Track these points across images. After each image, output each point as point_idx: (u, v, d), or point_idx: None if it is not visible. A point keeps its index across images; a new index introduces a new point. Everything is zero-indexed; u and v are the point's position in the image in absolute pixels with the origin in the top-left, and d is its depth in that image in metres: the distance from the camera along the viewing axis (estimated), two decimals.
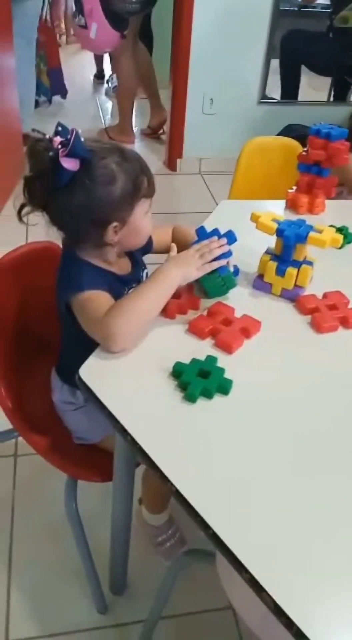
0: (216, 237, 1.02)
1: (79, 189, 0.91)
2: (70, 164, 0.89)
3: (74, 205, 0.92)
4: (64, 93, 4.01)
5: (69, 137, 0.90)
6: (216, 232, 1.04)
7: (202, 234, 1.04)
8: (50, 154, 0.89)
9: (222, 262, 1.00)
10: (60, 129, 0.93)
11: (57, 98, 3.98)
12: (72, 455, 1.12)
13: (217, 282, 1.02)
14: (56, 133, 0.92)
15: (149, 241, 1.11)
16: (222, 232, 1.04)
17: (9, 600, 1.26)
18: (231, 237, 1.02)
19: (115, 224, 0.96)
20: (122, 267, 1.06)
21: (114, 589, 1.28)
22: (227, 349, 0.93)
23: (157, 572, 1.24)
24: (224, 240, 1.01)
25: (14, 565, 1.33)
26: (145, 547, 1.35)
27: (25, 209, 0.96)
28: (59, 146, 0.89)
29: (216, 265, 0.99)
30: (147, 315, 0.93)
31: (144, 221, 1.01)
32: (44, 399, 1.17)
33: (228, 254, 1.01)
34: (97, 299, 0.94)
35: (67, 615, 1.24)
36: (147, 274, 1.12)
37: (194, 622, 1.25)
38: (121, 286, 1.02)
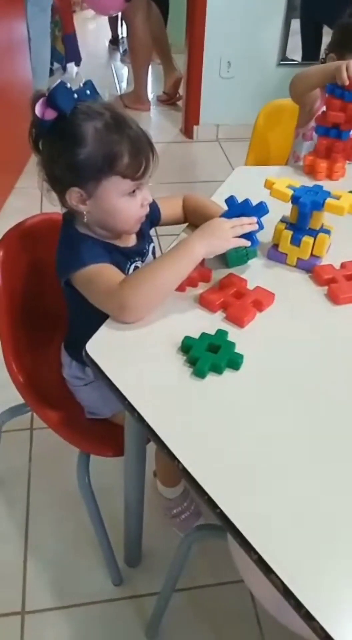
0: (244, 217, 0.96)
1: (49, 140, 0.91)
2: (42, 112, 0.87)
3: (45, 155, 0.93)
4: (78, 60, 3.91)
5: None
6: (247, 203, 0.98)
7: (232, 204, 0.98)
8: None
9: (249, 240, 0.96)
10: (85, 88, 0.92)
11: (71, 65, 3.89)
12: (84, 430, 1.12)
13: (241, 253, 0.98)
14: (78, 92, 0.91)
15: (157, 213, 1.07)
16: (253, 202, 0.98)
17: (25, 571, 1.28)
18: (263, 209, 0.97)
19: (76, 189, 0.91)
20: (126, 239, 1.02)
21: (129, 562, 1.29)
22: (239, 322, 0.90)
23: (172, 545, 1.23)
24: (254, 219, 0.96)
25: (30, 538, 1.34)
26: (160, 520, 1.35)
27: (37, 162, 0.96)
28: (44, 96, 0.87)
29: (245, 242, 0.95)
30: (165, 287, 0.90)
31: (120, 202, 0.92)
32: (55, 374, 1.16)
33: (260, 228, 0.97)
34: (104, 271, 0.91)
35: (82, 586, 1.25)
36: (153, 247, 1.09)
37: (209, 595, 1.25)
38: (123, 259, 0.99)
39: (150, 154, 0.92)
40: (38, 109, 0.88)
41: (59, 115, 0.88)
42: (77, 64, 3.91)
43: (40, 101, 0.88)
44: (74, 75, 3.65)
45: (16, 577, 1.27)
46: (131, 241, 1.03)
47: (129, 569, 1.29)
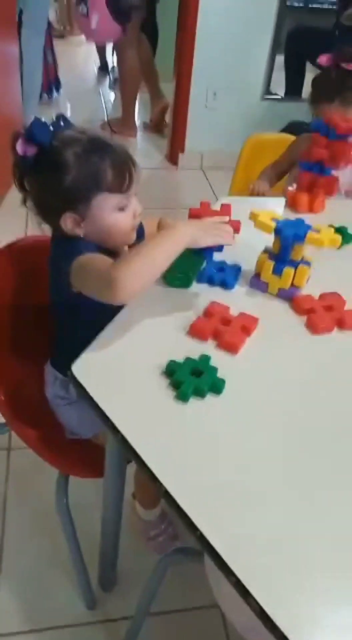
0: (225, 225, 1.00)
1: (34, 175, 0.95)
2: (23, 149, 0.91)
3: (33, 191, 0.97)
4: (57, 87, 3.93)
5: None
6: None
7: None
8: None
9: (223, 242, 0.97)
10: (59, 121, 0.95)
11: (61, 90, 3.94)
12: (64, 451, 1.12)
13: (191, 260, 1.00)
14: (53, 124, 0.94)
15: (141, 231, 1.10)
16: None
17: None
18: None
19: (69, 214, 0.95)
20: (120, 251, 1.05)
21: (103, 585, 1.28)
22: (232, 349, 0.92)
23: (148, 569, 1.23)
24: (231, 230, 0.99)
25: (4, 558, 1.32)
26: (136, 544, 1.35)
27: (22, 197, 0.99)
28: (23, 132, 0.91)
29: (222, 241, 0.97)
30: (155, 266, 0.90)
31: (113, 217, 0.97)
32: (37, 393, 1.17)
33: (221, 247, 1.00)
34: (97, 257, 0.93)
35: (55, 610, 1.24)
36: None
37: (182, 620, 1.25)
38: None
39: (132, 166, 0.97)
40: (19, 148, 0.92)
41: (39, 150, 0.92)
42: (57, 90, 3.92)
43: (20, 140, 0.92)
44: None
45: None
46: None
47: (103, 593, 1.28)
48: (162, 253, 0.90)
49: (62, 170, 0.92)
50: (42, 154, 0.92)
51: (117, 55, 3.54)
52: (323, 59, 1.48)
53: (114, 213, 0.97)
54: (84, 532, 1.21)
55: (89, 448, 1.13)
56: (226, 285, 1.06)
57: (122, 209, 0.98)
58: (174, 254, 0.92)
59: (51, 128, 0.93)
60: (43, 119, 0.93)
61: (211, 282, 1.07)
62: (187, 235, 0.92)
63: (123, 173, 0.95)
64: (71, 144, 0.93)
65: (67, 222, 0.96)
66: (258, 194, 1.56)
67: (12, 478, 1.50)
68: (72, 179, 0.93)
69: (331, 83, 1.47)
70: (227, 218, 1.03)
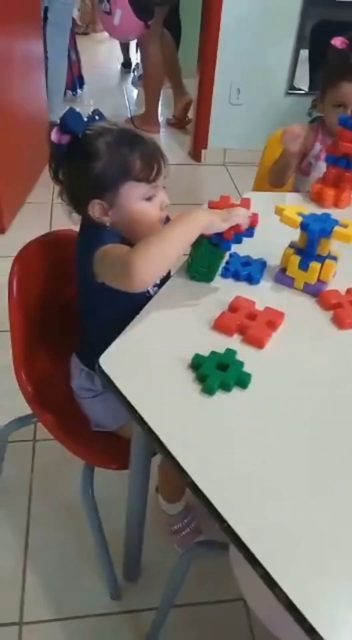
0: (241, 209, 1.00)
1: (67, 164, 0.98)
2: (58, 138, 0.95)
3: (64, 177, 0.99)
4: (81, 84, 3.95)
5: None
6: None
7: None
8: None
9: (240, 226, 0.97)
10: (94, 114, 1.00)
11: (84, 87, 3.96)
12: (89, 442, 1.13)
13: (212, 253, 1.01)
14: (88, 118, 0.99)
15: None
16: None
17: (24, 582, 1.28)
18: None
19: (97, 201, 0.97)
20: None
21: (128, 576, 1.29)
22: (258, 344, 0.92)
23: (172, 561, 1.24)
24: (249, 213, 0.99)
25: (30, 548, 1.35)
26: (160, 535, 1.36)
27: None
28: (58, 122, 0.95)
29: (237, 220, 0.96)
30: (171, 251, 0.91)
31: (140, 207, 0.99)
32: (63, 386, 1.18)
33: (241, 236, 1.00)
34: (118, 247, 0.95)
35: (80, 599, 1.26)
36: None
37: (206, 612, 1.26)
38: None
39: (161, 158, 0.99)
40: (54, 136, 0.96)
41: (73, 139, 0.96)
42: (80, 87, 3.94)
43: (55, 129, 0.96)
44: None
45: (15, 587, 1.27)
46: None
47: (128, 583, 1.29)
48: (177, 237, 0.91)
49: (93, 158, 0.95)
50: (75, 143, 0.96)
51: (141, 51, 3.55)
52: (338, 42, 1.46)
53: (141, 202, 0.99)
54: (109, 525, 1.23)
55: (114, 440, 1.14)
56: (251, 280, 1.07)
57: (149, 199, 1.00)
58: (190, 238, 0.93)
59: (85, 119, 0.97)
60: (78, 110, 0.97)
61: (236, 277, 1.08)
62: (201, 219, 0.93)
63: (151, 163, 0.97)
64: (103, 133, 0.97)
65: (95, 209, 0.98)
66: (291, 138, 1.46)
67: (37, 469, 1.52)
68: (102, 167, 0.95)
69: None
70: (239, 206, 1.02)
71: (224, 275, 1.08)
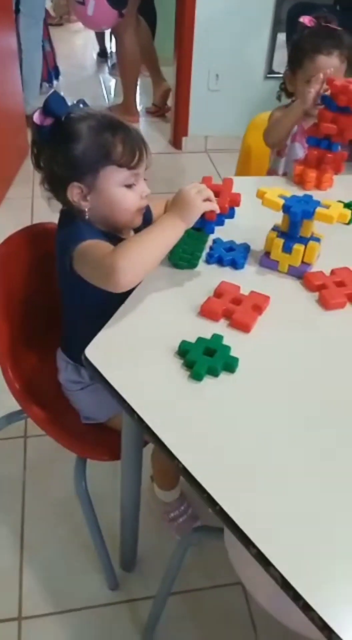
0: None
1: (49, 147, 0.97)
2: (40, 119, 0.95)
3: (45, 162, 0.99)
4: (57, 75, 3.90)
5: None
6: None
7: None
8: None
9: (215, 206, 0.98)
10: (78, 103, 1.00)
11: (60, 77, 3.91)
12: (80, 435, 1.13)
13: (195, 238, 1.03)
14: (72, 106, 0.99)
15: (149, 214, 1.10)
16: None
17: (21, 578, 1.28)
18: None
19: (76, 184, 0.97)
20: (126, 234, 1.06)
21: (125, 566, 1.30)
22: (245, 328, 0.92)
23: (168, 549, 1.25)
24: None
25: (26, 544, 1.34)
26: (155, 524, 1.36)
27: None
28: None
29: (214, 205, 0.97)
30: (153, 256, 0.92)
31: (119, 192, 0.98)
32: (52, 381, 1.18)
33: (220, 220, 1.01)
34: (99, 244, 0.95)
35: (78, 592, 1.26)
36: None
37: (205, 598, 1.27)
38: None
39: (143, 146, 0.99)
40: (36, 117, 0.95)
41: (55, 121, 0.95)
42: (56, 78, 3.90)
43: (38, 111, 0.95)
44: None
45: (13, 583, 1.27)
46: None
47: (125, 574, 1.30)
48: (160, 245, 0.93)
49: (74, 139, 0.95)
50: (58, 126, 0.95)
51: (115, 40, 3.51)
52: (306, 19, 1.48)
53: (121, 189, 0.99)
54: (104, 518, 1.23)
55: (105, 432, 1.14)
56: (235, 265, 1.06)
57: (129, 186, 0.99)
58: (171, 244, 0.95)
59: (68, 104, 0.97)
60: (61, 93, 0.97)
61: (220, 262, 1.07)
62: (181, 225, 0.94)
63: (133, 150, 0.97)
64: (86, 118, 0.97)
65: (74, 193, 0.97)
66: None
67: (29, 465, 1.52)
68: (83, 148, 0.95)
69: (326, 37, 1.46)
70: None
71: (208, 261, 1.07)
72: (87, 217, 0.99)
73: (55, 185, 1.00)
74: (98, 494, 1.21)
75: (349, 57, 1.48)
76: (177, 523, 1.35)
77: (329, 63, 1.45)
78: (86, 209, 0.99)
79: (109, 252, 0.90)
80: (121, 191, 0.99)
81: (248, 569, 0.83)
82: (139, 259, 0.89)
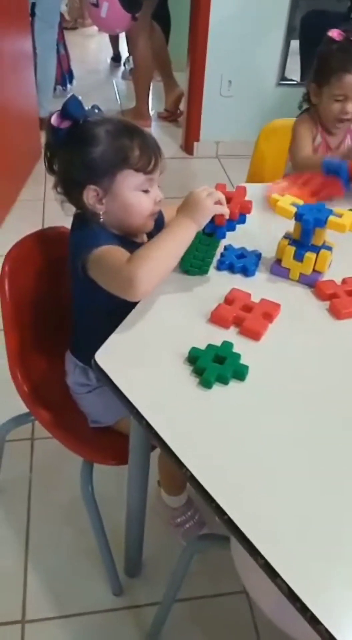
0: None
1: (64, 150, 0.98)
2: (57, 121, 0.95)
3: (60, 164, 1.00)
4: (71, 79, 3.91)
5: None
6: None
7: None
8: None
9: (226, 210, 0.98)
10: (93, 109, 1.01)
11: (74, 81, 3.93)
12: (87, 439, 1.13)
13: (206, 243, 1.04)
14: (87, 111, 0.99)
15: (162, 218, 1.11)
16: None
17: (25, 581, 1.28)
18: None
19: (92, 187, 0.97)
20: (140, 239, 1.06)
21: (129, 572, 1.29)
22: (255, 336, 0.92)
23: (173, 555, 1.24)
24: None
25: (31, 548, 1.34)
26: (161, 530, 1.36)
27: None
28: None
29: (224, 209, 0.98)
30: (169, 262, 0.94)
31: (135, 196, 0.99)
32: (60, 384, 1.18)
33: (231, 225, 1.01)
34: (115, 251, 0.95)
35: (82, 596, 1.26)
36: None
37: (209, 606, 1.26)
38: None
39: (158, 152, 1.00)
40: (54, 120, 0.96)
41: (73, 124, 0.96)
42: (70, 82, 3.91)
43: (56, 113, 0.96)
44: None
45: (16, 586, 1.27)
46: (144, 240, 1.07)
47: (129, 579, 1.29)
48: (175, 250, 0.95)
49: (92, 143, 0.96)
50: (74, 129, 0.96)
51: (130, 44, 3.53)
52: (335, 33, 1.45)
53: (136, 193, 0.99)
54: (109, 523, 1.22)
55: (112, 436, 1.14)
56: (246, 272, 1.06)
57: (144, 191, 1.00)
58: (185, 248, 0.96)
59: (86, 108, 0.98)
60: (80, 97, 0.98)
61: (231, 269, 1.07)
62: (193, 227, 0.95)
63: (149, 155, 0.98)
64: (104, 122, 0.98)
65: (90, 196, 0.98)
66: None
67: (36, 468, 1.52)
68: (101, 151, 0.96)
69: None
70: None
71: (219, 268, 1.07)
72: (101, 220, 1.00)
73: (70, 188, 1.00)
74: (104, 497, 1.21)
75: None
76: (184, 529, 1.35)
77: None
78: (101, 212, 0.99)
79: (126, 262, 0.91)
80: (136, 195, 0.99)
81: (254, 578, 0.83)
82: (155, 267, 0.90)
